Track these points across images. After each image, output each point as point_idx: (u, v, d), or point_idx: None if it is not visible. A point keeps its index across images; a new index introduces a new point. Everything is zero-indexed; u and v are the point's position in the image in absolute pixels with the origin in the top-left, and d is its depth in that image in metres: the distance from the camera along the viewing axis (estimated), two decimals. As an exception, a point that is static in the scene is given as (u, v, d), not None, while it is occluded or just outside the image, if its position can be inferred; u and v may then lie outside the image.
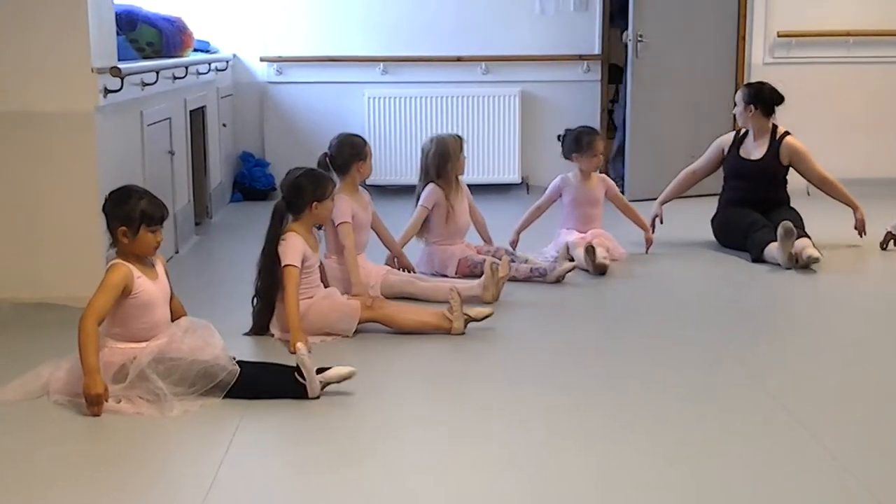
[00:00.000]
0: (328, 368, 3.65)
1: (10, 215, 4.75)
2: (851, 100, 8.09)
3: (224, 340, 3.77)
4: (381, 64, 7.97)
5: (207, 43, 7.53)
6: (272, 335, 4.34)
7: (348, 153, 4.95)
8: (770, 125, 6.09)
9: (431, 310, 4.51)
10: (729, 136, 6.24)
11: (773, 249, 5.54)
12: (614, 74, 8.54)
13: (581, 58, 8.03)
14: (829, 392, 3.75)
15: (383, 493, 2.94)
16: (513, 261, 5.28)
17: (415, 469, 3.11)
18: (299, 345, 3.73)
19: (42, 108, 4.67)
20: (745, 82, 6.40)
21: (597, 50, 8.04)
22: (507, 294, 4.96)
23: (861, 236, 6.07)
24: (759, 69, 7.77)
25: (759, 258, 5.65)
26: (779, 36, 7.98)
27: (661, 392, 3.73)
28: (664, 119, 7.82)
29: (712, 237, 6.18)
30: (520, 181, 8.07)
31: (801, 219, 5.84)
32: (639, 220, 5.96)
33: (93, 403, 3.45)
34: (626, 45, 7.65)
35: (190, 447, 3.34)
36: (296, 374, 3.61)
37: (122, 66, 4.85)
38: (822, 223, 6.08)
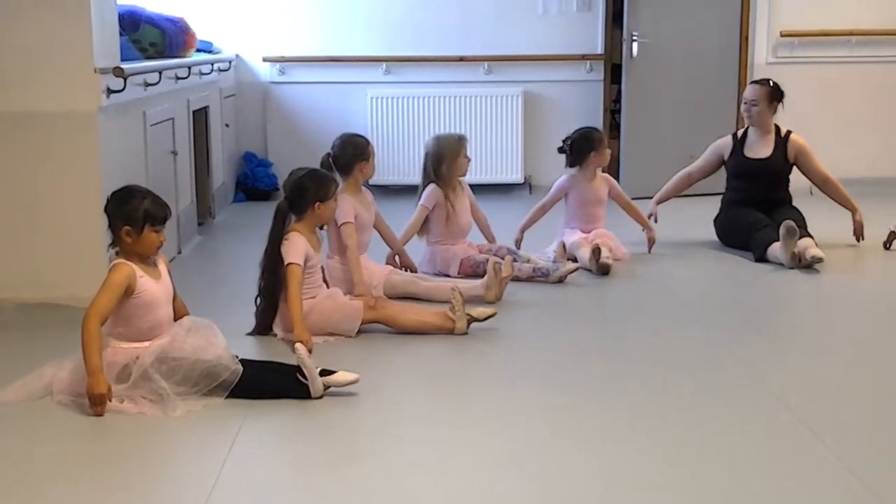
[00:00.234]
0: (333, 372, 3.65)
1: (12, 215, 4.76)
2: (854, 99, 8.08)
3: (227, 340, 3.77)
4: (384, 64, 7.97)
5: (210, 43, 7.53)
6: (275, 335, 4.35)
7: (351, 153, 4.96)
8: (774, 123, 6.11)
9: (434, 310, 4.51)
10: (727, 141, 6.20)
11: (776, 249, 5.54)
12: (617, 74, 8.52)
13: (584, 58, 8.02)
14: (832, 391, 3.75)
15: (385, 492, 2.95)
16: (515, 260, 5.28)
17: (416, 468, 3.11)
18: (298, 345, 3.73)
19: (45, 108, 4.68)
20: (751, 80, 6.36)
21: (600, 50, 8.04)
22: (510, 294, 4.96)
23: (858, 241, 6.06)
24: (762, 69, 7.75)
25: (761, 258, 5.65)
26: (782, 35, 7.97)
27: (662, 391, 3.74)
28: (660, 118, 7.86)
29: (715, 237, 6.18)
30: (522, 181, 8.07)
31: (803, 218, 5.84)
32: (641, 218, 5.97)
33: (96, 403, 3.45)
34: (621, 45, 7.68)
35: (193, 447, 3.34)
36: (298, 374, 3.61)
37: (125, 66, 4.85)
38: (825, 222, 6.07)
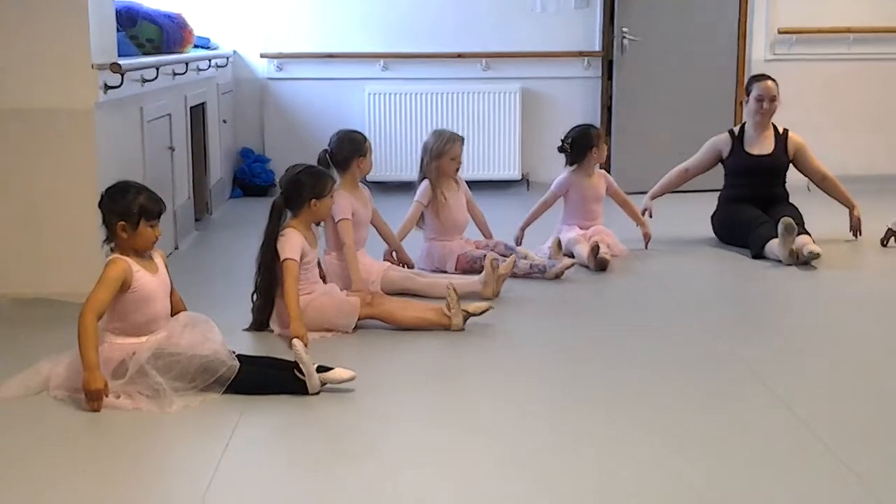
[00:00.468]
0: (330, 369, 3.65)
1: (9, 211, 4.75)
2: (852, 96, 8.09)
3: (224, 336, 3.77)
4: (382, 60, 7.97)
5: (208, 39, 7.53)
6: (272, 331, 4.34)
7: (348, 149, 4.95)
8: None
9: (431, 306, 4.51)
10: (725, 137, 6.18)
11: (773, 246, 5.55)
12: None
13: (581, 54, 8.02)
14: (830, 388, 3.75)
15: (381, 489, 2.95)
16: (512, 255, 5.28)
17: (413, 465, 3.11)
18: (295, 341, 3.73)
19: (42, 104, 4.67)
20: (751, 76, 6.34)
21: (597, 47, 8.03)
22: (507, 290, 4.96)
23: (856, 237, 6.07)
24: (760, 65, 7.75)
25: (759, 254, 5.65)
26: (779, 32, 7.98)
27: (660, 388, 3.73)
28: (652, 115, 7.91)
29: (712, 234, 6.18)
30: (520, 178, 8.06)
31: (800, 215, 5.85)
32: (636, 215, 5.98)
33: (93, 399, 3.45)
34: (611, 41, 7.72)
35: (189, 442, 3.34)
36: (295, 370, 3.61)
37: (122, 62, 4.84)
38: (822, 219, 6.08)
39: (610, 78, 8.15)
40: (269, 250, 4.29)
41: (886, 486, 2.91)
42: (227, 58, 7.74)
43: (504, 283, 4.94)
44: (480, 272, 4.93)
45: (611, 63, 8.17)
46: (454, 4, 7.97)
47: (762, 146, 6.08)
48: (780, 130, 6.11)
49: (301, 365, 3.60)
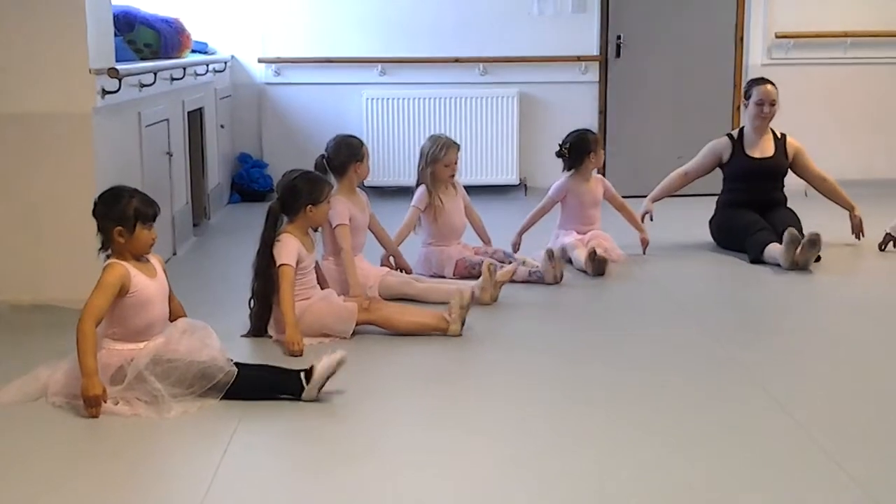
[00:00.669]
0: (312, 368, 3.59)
1: (7, 217, 4.75)
2: (849, 101, 8.10)
3: (222, 342, 3.77)
4: (380, 65, 7.97)
5: (205, 44, 7.52)
6: (270, 337, 4.34)
7: (345, 154, 4.95)
8: (767, 124, 6.13)
9: (429, 311, 4.51)
10: (724, 141, 6.17)
11: (772, 250, 5.55)
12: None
13: (579, 59, 8.02)
14: (828, 391, 3.75)
15: (380, 493, 2.94)
16: (510, 261, 5.28)
17: (412, 469, 3.10)
18: (322, 362, 3.62)
19: (39, 109, 4.67)
20: (749, 79, 6.34)
21: (595, 51, 8.04)
22: (506, 295, 4.96)
23: (858, 239, 6.07)
24: (757, 70, 7.76)
25: (757, 259, 5.65)
26: (777, 37, 7.99)
27: (659, 392, 3.73)
28: (646, 119, 7.95)
29: (710, 238, 6.18)
30: (518, 182, 8.07)
31: (799, 221, 5.86)
32: (634, 220, 5.97)
33: (91, 405, 3.45)
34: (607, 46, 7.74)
35: (188, 448, 3.34)
36: (302, 374, 3.59)
37: (119, 67, 4.84)
38: (820, 224, 6.06)
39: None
40: (265, 256, 4.29)
41: (884, 489, 2.91)
42: (225, 63, 7.74)
43: (502, 288, 4.93)
44: (479, 278, 4.93)
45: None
46: (452, 9, 7.97)
47: (763, 150, 6.08)
48: (779, 134, 6.12)
49: (316, 375, 3.55)
